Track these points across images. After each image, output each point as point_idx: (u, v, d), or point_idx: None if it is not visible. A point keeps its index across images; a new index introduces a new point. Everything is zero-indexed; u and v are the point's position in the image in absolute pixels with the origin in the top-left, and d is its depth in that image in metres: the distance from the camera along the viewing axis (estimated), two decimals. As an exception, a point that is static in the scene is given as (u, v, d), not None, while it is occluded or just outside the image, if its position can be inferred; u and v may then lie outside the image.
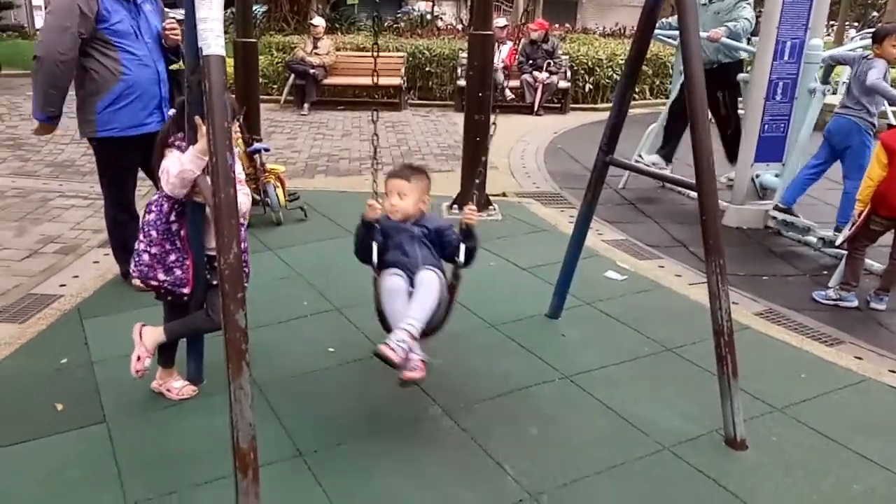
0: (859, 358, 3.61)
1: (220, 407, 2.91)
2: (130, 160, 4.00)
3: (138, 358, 2.89)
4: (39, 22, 23.26)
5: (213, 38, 1.94)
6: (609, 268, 4.65)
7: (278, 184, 5.44)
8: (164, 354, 3.04)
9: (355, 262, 4.59)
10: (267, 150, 5.58)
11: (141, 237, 2.83)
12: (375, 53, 3.12)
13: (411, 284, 2.86)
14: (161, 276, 2.82)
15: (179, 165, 2.59)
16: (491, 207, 5.86)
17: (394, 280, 2.85)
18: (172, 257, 2.81)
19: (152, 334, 2.91)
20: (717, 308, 2.76)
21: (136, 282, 2.90)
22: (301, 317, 3.87)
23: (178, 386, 3.07)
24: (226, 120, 1.94)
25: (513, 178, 7.50)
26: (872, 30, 5.53)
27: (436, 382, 3.22)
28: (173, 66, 4.05)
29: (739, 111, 6.43)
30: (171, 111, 2.93)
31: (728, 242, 5.36)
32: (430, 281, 2.81)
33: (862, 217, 4.22)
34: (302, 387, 3.19)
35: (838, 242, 4.70)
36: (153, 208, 2.81)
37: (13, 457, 2.66)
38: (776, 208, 5.54)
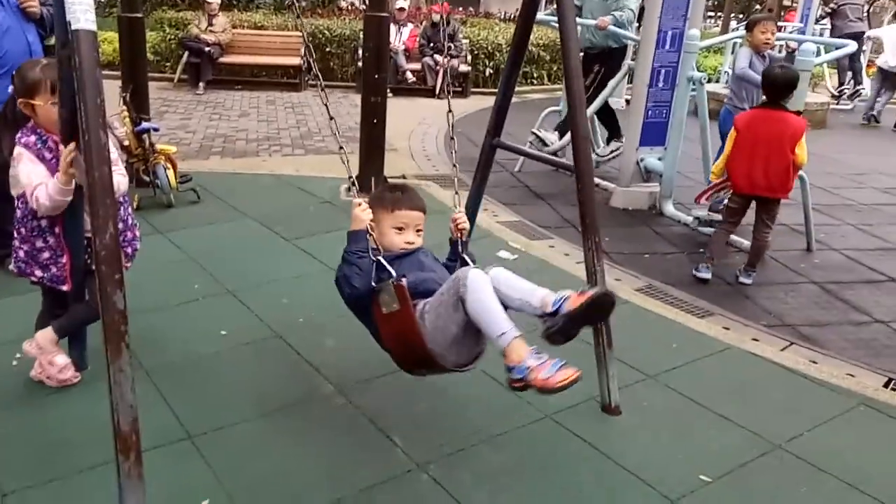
0: (727, 328, 3.90)
1: (104, 392, 2.86)
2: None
3: (50, 363, 2.88)
4: None
5: (81, 12, 1.89)
6: (500, 248, 4.80)
7: (169, 165, 5.28)
8: None
9: (249, 245, 4.55)
10: (156, 129, 5.42)
11: (15, 232, 2.78)
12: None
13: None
14: (38, 273, 2.78)
15: (48, 200, 2.56)
16: (389, 189, 5.89)
17: (475, 273, 2.31)
18: (45, 255, 2.76)
19: (44, 336, 2.87)
20: (594, 284, 2.92)
21: (13, 269, 2.82)
22: (192, 300, 3.81)
23: (53, 371, 2.95)
24: (98, 97, 1.90)
25: (413, 160, 7.55)
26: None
27: (329, 362, 3.27)
28: (49, 42, 3.87)
29: (619, 100, 6.77)
30: (10, 87, 2.79)
31: (615, 223, 5.71)
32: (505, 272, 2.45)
33: (713, 190, 4.58)
34: (192, 371, 3.16)
35: (696, 198, 5.05)
36: (20, 204, 2.73)
37: None
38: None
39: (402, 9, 12.18)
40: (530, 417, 2.94)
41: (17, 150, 2.67)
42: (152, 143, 5.22)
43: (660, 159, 6.01)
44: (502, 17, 17.55)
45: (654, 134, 5.94)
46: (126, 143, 5.08)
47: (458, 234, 2.71)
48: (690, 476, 2.64)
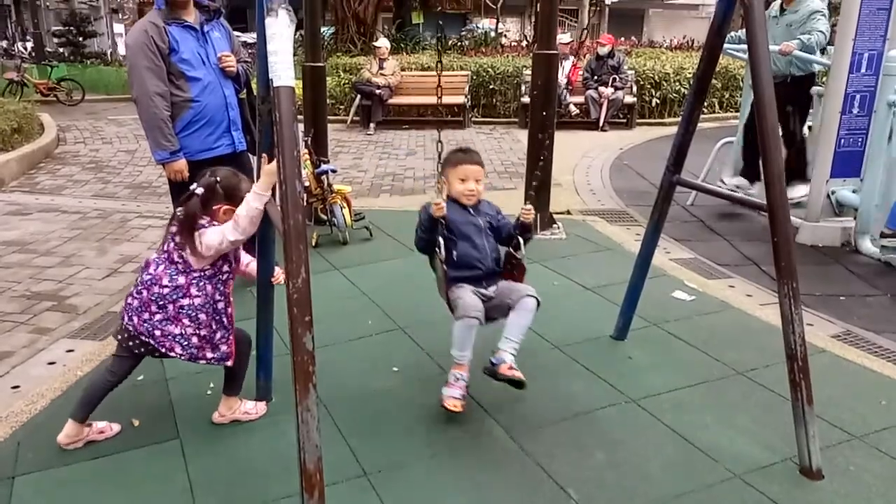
0: (947, 384, 3.41)
1: (287, 426, 2.99)
2: None
3: (245, 413, 3.15)
4: (121, 49, 24.44)
5: (283, 70, 2.01)
6: (677, 287, 4.55)
7: (345, 204, 5.55)
8: (231, 384, 3.09)
9: (419, 282, 4.64)
10: (334, 171, 5.71)
11: (186, 322, 2.78)
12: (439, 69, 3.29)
13: (482, 282, 3.18)
14: (209, 355, 2.87)
15: (245, 205, 2.58)
16: (555, 226, 5.82)
17: (460, 324, 3.04)
18: (219, 335, 2.86)
19: (224, 405, 3.12)
20: (791, 332, 2.66)
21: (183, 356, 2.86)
22: (366, 336, 3.93)
23: (250, 407, 3.15)
24: (295, 149, 2.00)
25: (577, 195, 7.44)
26: None
27: (499, 403, 3.22)
28: (241, 96, 4.21)
29: (807, 126, 6.29)
30: (199, 189, 2.75)
31: (802, 261, 5.23)
32: (531, 306, 3.08)
33: None
34: (366, 406, 3.23)
35: None
36: (195, 292, 2.76)
37: (93, 471, 2.78)
38: (883, 235, 5.29)
39: (564, 43, 12.17)
40: (717, 477, 2.71)
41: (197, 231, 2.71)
42: (330, 184, 5.51)
43: (854, 191, 5.48)
44: (668, 45, 17.04)
45: (848, 164, 5.44)
46: (307, 184, 5.40)
47: (522, 220, 3.17)
48: (915, 559, 2.30)
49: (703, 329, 3.96)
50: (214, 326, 2.84)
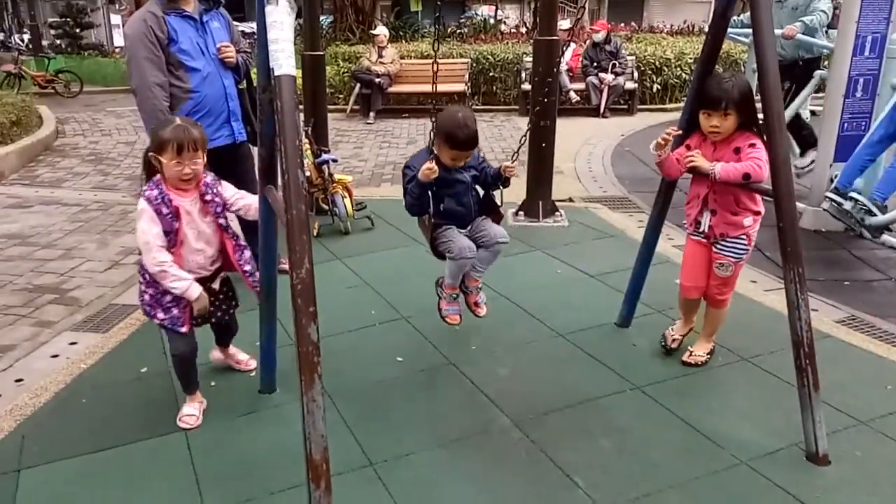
0: (953, 368, 3.40)
1: (291, 416, 2.99)
2: None
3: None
4: (118, 40, 24.30)
5: (284, 59, 1.99)
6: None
7: (346, 194, 5.53)
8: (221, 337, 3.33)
9: (422, 271, 4.65)
10: (335, 160, 5.68)
11: (140, 277, 2.93)
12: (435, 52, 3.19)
13: (464, 227, 3.39)
14: (160, 315, 2.90)
15: (156, 273, 2.78)
16: (557, 213, 5.79)
17: (463, 241, 3.29)
18: (168, 297, 2.88)
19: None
20: (797, 319, 2.65)
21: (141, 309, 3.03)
22: (370, 325, 3.92)
23: (244, 358, 3.39)
24: (297, 138, 1.98)
25: (579, 182, 7.41)
26: None
27: (504, 392, 3.22)
28: (241, 86, 4.17)
29: (807, 110, 6.26)
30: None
31: (806, 246, 5.15)
32: (498, 251, 3.43)
33: None
34: (371, 396, 3.23)
35: None
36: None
37: (98, 464, 2.78)
38: (834, 191, 5.16)
39: (564, 29, 12.09)
40: (724, 463, 2.70)
41: (141, 203, 2.77)
42: (331, 174, 5.48)
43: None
44: (668, 30, 16.92)
45: (852, 148, 5.38)
46: (308, 174, 5.38)
47: (504, 175, 3.29)
48: (923, 543, 2.29)
49: (708, 315, 3.94)
50: (161, 288, 2.86)
